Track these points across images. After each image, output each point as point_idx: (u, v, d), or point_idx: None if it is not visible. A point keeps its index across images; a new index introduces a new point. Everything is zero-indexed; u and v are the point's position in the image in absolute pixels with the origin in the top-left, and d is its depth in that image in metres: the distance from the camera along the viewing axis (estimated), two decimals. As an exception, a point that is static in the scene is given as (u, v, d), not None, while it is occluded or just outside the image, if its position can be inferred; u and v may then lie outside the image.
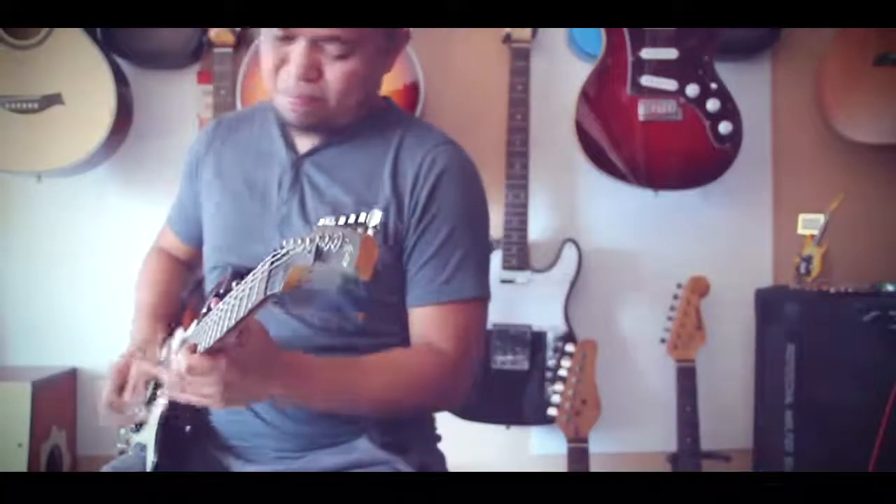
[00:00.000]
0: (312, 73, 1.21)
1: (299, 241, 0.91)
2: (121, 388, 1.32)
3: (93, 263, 2.43)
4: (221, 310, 1.05)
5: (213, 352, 1.05)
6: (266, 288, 0.94)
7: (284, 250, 0.93)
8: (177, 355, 1.08)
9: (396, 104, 1.41)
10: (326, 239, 0.87)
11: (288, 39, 1.21)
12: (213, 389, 1.07)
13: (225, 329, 1.02)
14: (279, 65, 1.23)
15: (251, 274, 1.00)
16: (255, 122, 1.41)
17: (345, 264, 0.85)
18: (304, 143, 1.33)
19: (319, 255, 0.88)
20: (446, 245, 1.27)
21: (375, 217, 0.89)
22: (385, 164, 1.29)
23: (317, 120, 1.26)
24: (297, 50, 1.20)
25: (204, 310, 1.26)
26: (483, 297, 1.31)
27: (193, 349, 1.07)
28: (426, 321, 1.27)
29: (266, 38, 1.23)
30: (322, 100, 1.23)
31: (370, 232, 0.88)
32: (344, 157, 1.31)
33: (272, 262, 0.95)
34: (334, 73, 1.21)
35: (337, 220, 0.91)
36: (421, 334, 1.28)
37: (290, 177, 1.31)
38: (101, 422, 1.35)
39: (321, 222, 0.91)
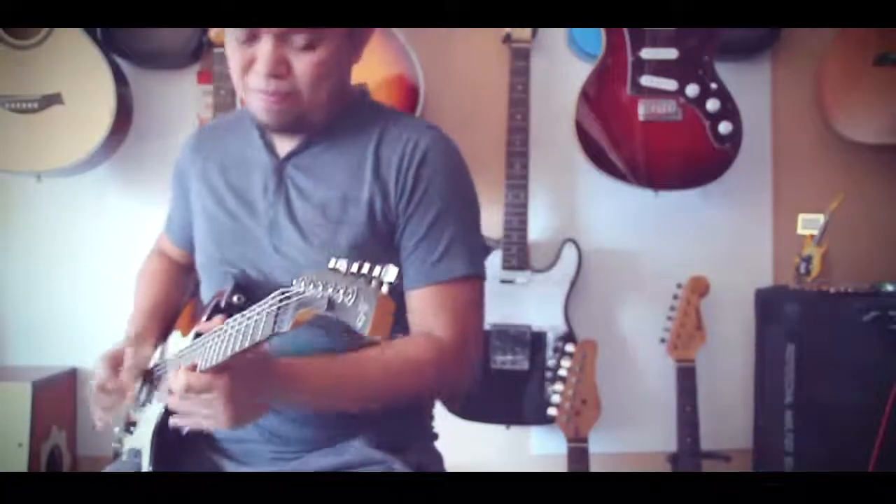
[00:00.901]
0: (281, 68, 1.20)
1: (311, 286, 0.89)
2: (114, 371, 1.31)
3: (93, 263, 2.43)
4: (225, 332, 1.05)
5: (213, 371, 1.06)
6: (274, 325, 0.94)
7: (295, 290, 0.92)
8: (176, 372, 1.08)
9: (371, 97, 1.39)
10: (340, 292, 0.86)
11: (252, 40, 1.20)
12: (217, 409, 1.07)
13: (227, 355, 1.02)
14: (247, 67, 1.22)
15: (258, 305, 0.99)
16: (237, 127, 1.40)
17: (359, 324, 0.84)
18: (284, 146, 1.32)
19: (332, 306, 0.86)
20: (435, 226, 1.27)
21: (391, 273, 0.87)
22: (368, 156, 1.28)
23: (292, 117, 1.25)
24: (264, 47, 1.19)
25: (203, 318, 1.26)
26: (476, 275, 1.30)
27: (193, 368, 1.07)
28: (421, 304, 1.27)
29: (230, 43, 1.23)
30: (294, 94, 1.22)
31: (384, 289, 0.85)
32: (325, 154, 1.30)
33: (281, 300, 0.94)
34: (303, 64, 1.20)
35: (349, 266, 0.88)
36: (417, 317, 1.28)
37: (274, 181, 1.31)
38: (94, 411, 1.34)
39: (332, 264, 0.89)
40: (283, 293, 0.95)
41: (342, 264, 0.89)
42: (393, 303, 0.85)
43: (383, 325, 0.84)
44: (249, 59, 1.21)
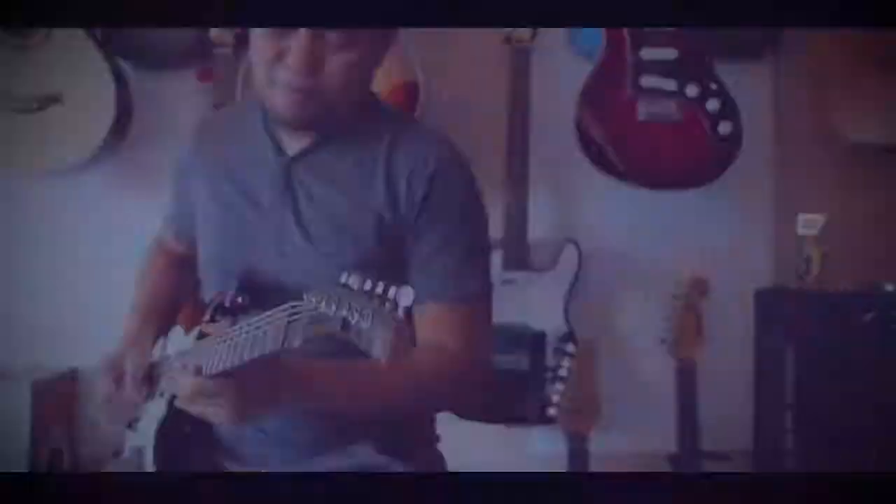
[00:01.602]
0: (315, 64, 1.16)
1: (323, 303, 0.86)
2: (117, 382, 1.29)
3: (93, 263, 2.43)
4: (231, 339, 1.03)
5: (220, 376, 1.04)
6: (284, 340, 0.92)
7: (306, 306, 0.89)
8: (181, 375, 1.07)
9: (384, 102, 1.37)
10: (356, 313, 0.83)
11: (285, 31, 1.16)
12: (223, 410, 1.06)
13: (233, 365, 1.01)
14: (276, 58, 1.18)
15: (268, 314, 0.97)
16: (241, 122, 1.36)
17: (376, 351, 0.81)
18: (292, 144, 1.29)
19: (346, 327, 0.84)
20: (446, 241, 1.25)
21: (407, 296, 0.83)
22: (378, 165, 1.26)
23: (313, 115, 1.21)
24: (299, 41, 1.15)
25: (206, 318, 1.25)
26: (485, 293, 1.29)
27: (198, 371, 1.06)
28: (431, 319, 1.25)
29: (256, 31, 1.19)
30: (322, 93, 1.19)
31: (401, 313, 0.82)
32: (335, 158, 1.27)
33: (291, 314, 0.92)
34: (337, 63, 1.17)
35: (362, 284, 0.85)
36: (427, 332, 1.25)
37: (282, 181, 1.28)
38: (103, 422, 1.33)
39: (343, 279, 0.86)
40: (293, 307, 0.92)
41: (354, 280, 0.85)
42: (409, 327, 0.83)
43: (401, 352, 0.81)
44: (280, 50, 1.17)
